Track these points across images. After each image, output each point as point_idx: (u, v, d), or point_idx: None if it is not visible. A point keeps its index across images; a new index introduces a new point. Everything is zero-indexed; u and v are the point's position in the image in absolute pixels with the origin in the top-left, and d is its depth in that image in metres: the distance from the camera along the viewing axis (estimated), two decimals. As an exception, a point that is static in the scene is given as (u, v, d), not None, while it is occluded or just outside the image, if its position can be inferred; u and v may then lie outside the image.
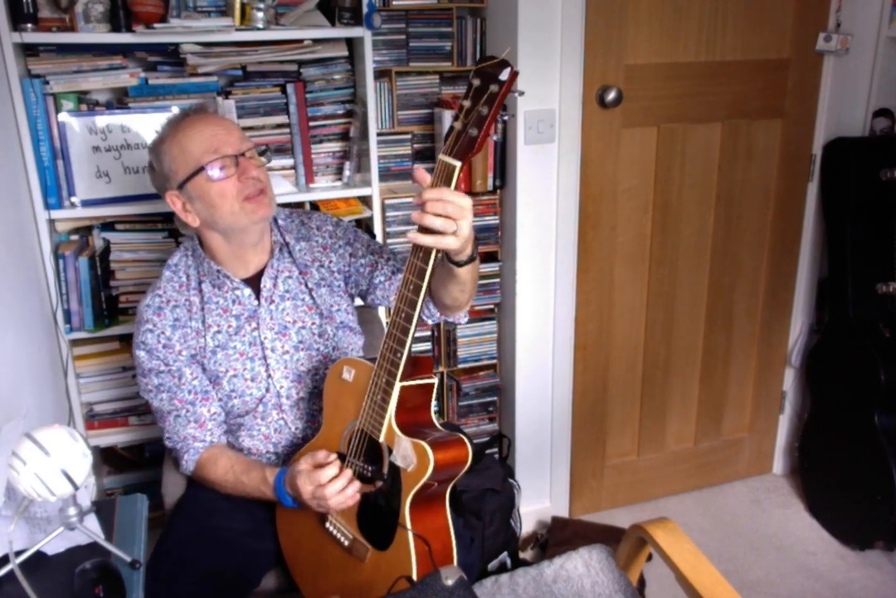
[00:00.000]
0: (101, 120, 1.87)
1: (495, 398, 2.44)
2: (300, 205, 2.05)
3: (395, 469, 1.30)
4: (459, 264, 1.29)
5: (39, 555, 1.10)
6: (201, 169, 1.40)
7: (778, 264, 2.49)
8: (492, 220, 2.26)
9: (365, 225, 2.11)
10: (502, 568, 2.08)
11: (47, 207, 1.85)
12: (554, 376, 2.36)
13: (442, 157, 1.15)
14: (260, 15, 1.85)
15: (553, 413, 2.40)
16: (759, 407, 2.64)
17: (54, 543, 1.11)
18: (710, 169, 2.32)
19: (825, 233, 2.43)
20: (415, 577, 1.26)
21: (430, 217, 1.14)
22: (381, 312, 2.02)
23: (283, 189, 2.00)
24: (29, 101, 1.79)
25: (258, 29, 1.86)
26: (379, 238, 2.11)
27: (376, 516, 1.35)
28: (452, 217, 1.14)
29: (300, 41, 1.94)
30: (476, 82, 1.11)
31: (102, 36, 1.81)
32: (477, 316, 2.34)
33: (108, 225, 1.97)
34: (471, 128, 1.11)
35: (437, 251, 1.20)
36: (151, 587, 1.15)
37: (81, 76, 1.86)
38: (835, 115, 2.34)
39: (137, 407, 2.09)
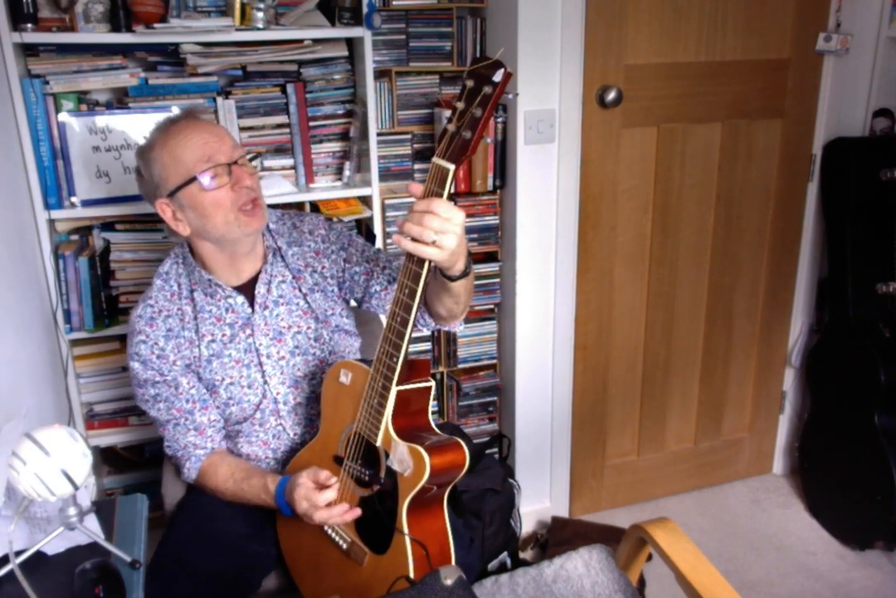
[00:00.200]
0: (101, 120, 1.87)
1: (495, 398, 2.44)
2: (300, 205, 2.05)
3: (392, 473, 1.29)
4: (451, 279, 1.27)
5: (39, 555, 1.10)
6: (194, 178, 1.36)
7: (778, 264, 2.49)
8: (492, 220, 2.26)
9: (365, 225, 2.11)
10: (502, 568, 2.08)
11: (47, 207, 1.85)
12: (554, 376, 2.36)
13: (435, 160, 1.13)
14: (260, 15, 1.85)
15: (553, 413, 2.40)
16: (759, 407, 2.64)
17: (54, 543, 1.11)
18: (710, 169, 2.32)
19: (825, 233, 2.43)
20: (413, 579, 1.26)
21: (409, 224, 1.12)
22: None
23: (283, 189, 2.00)
24: (29, 101, 1.79)
25: (258, 29, 1.86)
26: (379, 238, 2.10)
27: (374, 520, 1.34)
28: (434, 230, 1.11)
29: (300, 41, 1.94)
30: (469, 84, 1.09)
31: (102, 36, 1.80)
32: (477, 316, 2.35)
33: (108, 225, 1.97)
34: (464, 130, 1.09)
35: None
36: (151, 589, 1.15)
37: (81, 76, 1.85)
38: (835, 115, 2.34)
39: (137, 407, 2.08)
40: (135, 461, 2.21)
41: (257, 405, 1.53)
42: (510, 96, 1.11)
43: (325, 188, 2.08)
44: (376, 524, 1.33)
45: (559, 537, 2.34)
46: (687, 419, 2.59)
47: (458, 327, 1.52)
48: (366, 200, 2.07)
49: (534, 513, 2.47)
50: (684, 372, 2.52)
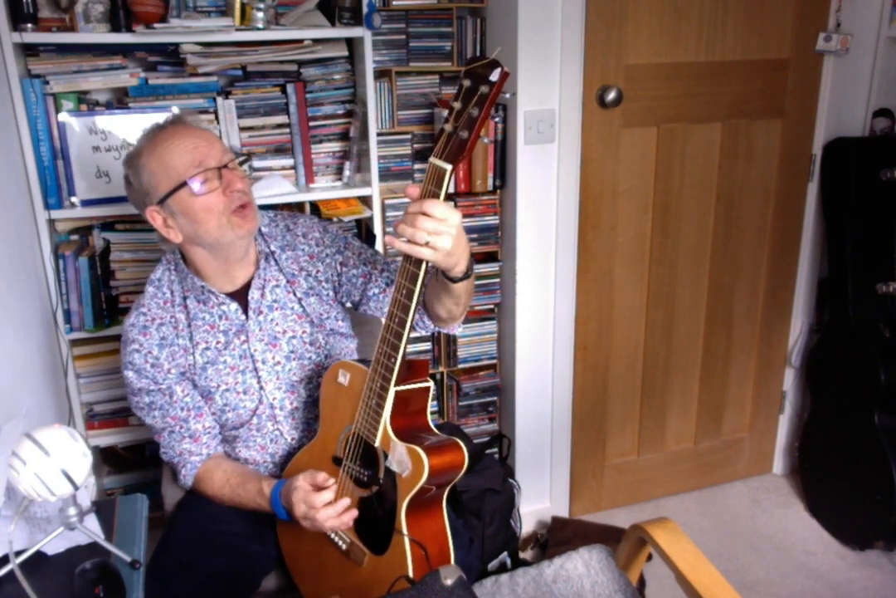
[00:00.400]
0: (101, 120, 1.87)
1: (495, 398, 2.44)
2: (300, 205, 2.05)
3: (391, 474, 1.29)
4: (453, 281, 1.26)
5: (39, 555, 1.11)
6: (184, 184, 1.34)
7: (778, 264, 2.49)
8: (492, 220, 2.26)
9: (365, 225, 2.11)
10: (502, 568, 2.08)
11: (47, 207, 1.85)
12: (554, 376, 2.36)
13: (432, 160, 1.12)
14: (260, 15, 1.85)
15: (553, 413, 2.40)
16: (759, 407, 2.64)
17: (54, 543, 1.11)
18: (710, 169, 2.32)
19: (825, 233, 2.43)
20: (412, 580, 1.26)
21: (403, 225, 1.12)
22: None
23: (283, 189, 2.00)
24: (29, 101, 1.79)
25: (258, 29, 1.86)
26: (379, 238, 2.10)
27: (373, 520, 1.34)
28: (427, 231, 1.10)
29: (300, 41, 1.94)
30: (466, 83, 1.07)
31: (102, 36, 1.81)
32: (477, 316, 2.35)
33: (108, 225, 1.97)
34: (461, 130, 1.08)
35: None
36: (151, 589, 1.15)
37: (81, 76, 1.86)
38: (835, 115, 2.34)
39: (137, 407, 2.09)
40: (135, 461, 2.21)
41: (254, 411, 1.52)
42: (507, 96, 1.10)
43: (325, 188, 2.08)
44: (375, 524, 1.33)
45: (559, 537, 2.34)
46: (687, 419, 2.59)
47: (457, 330, 1.51)
48: (366, 200, 2.07)
49: (534, 513, 2.47)
50: (684, 372, 2.52)
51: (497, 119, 2.10)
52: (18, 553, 1.06)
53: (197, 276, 1.46)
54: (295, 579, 1.53)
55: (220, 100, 1.96)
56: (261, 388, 1.51)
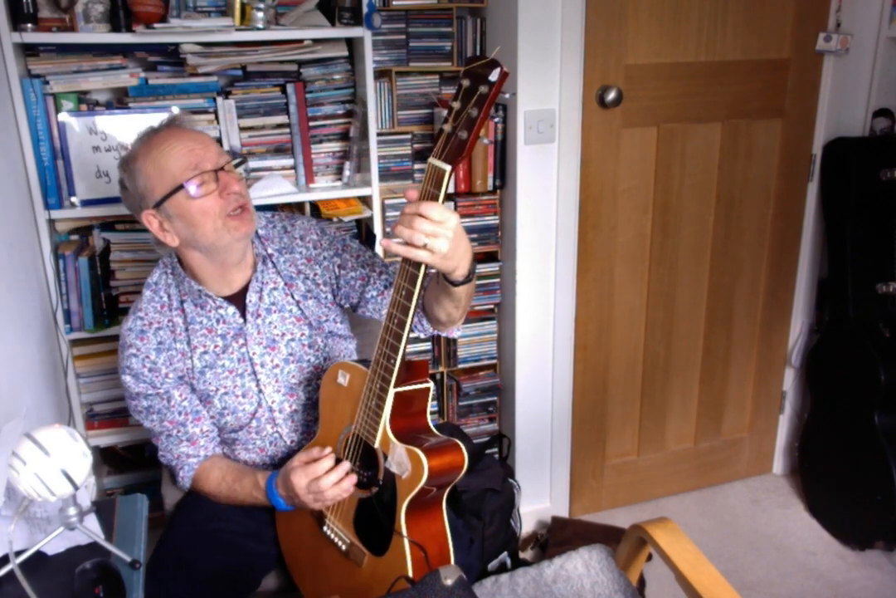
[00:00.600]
0: (101, 120, 1.87)
1: (495, 398, 2.44)
2: (300, 205, 2.05)
3: (390, 475, 1.29)
4: (454, 284, 1.25)
5: (39, 555, 1.10)
6: (180, 187, 1.32)
7: (778, 264, 2.49)
8: (492, 220, 2.26)
9: (365, 225, 2.11)
10: (502, 568, 2.08)
11: (47, 206, 1.85)
12: (554, 376, 2.36)
13: (431, 160, 1.11)
14: (260, 15, 1.85)
15: (553, 413, 2.40)
16: (759, 407, 2.64)
17: (54, 543, 1.11)
18: (710, 169, 2.32)
19: (825, 233, 2.43)
20: (412, 581, 1.25)
21: (400, 227, 1.11)
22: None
23: (283, 189, 2.00)
24: (29, 101, 1.79)
25: (258, 29, 1.86)
26: (379, 238, 2.10)
27: (372, 521, 1.34)
28: (425, 233, 1.09)
29: (300, 41, 1.94)
30: (465, 83, 1.07)
31: (102, 36, 1.81)
32: (477, 316, 2.35)
33: (108, 225, 1.97)
34: (460, 130, 1.07)
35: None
36: (151, 589, 1.15)
37: (81, 76, 1.86)
38: (835, 115, 2.34)
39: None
40: (135, 461, 2.21)
41: (252, 414, 1.52)
42: (507, 96, 1.09)
43: (325, 188, 2.08)
44: (375, 525, 1.33)
45: (559, 537, 2.34)
46: (687, 419, 2.59)
47: (455, 333, 1.49)
48: (366, 200, 2.07)
49: (534, 513, 2.47)
50: (684, 372, 2.52)
51: (497, 119, 2.10)
52: (18, 553, 1.05)
53: (194, 279, 1.45)
54: (295, 578, 1.54)
55: (220, 100, 1.96)
56: (259, 391, 1.51)
